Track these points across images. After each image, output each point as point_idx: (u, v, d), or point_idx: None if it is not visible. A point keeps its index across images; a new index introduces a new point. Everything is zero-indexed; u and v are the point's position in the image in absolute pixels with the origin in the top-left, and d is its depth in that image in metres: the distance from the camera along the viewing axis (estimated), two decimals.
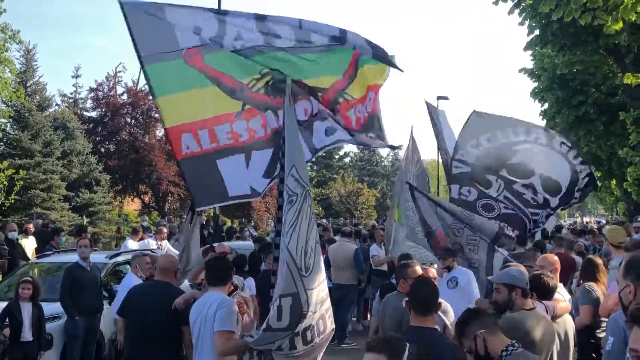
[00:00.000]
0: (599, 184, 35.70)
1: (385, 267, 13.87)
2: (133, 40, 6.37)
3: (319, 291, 5.72)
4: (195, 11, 6.63)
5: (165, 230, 16.90)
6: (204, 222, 27.48)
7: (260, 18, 6.57)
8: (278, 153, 6.62)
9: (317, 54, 6.72)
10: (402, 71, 7.01)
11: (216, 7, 16.02)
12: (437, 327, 5.74)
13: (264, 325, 5.62)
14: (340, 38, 6.64)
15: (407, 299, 5.81)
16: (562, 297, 7.08)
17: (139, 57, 6.41)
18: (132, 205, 41.37)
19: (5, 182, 24.48)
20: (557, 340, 6.29)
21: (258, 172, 7.09)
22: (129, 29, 6.35)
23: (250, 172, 7.04)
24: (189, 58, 6.54)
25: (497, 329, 4.51)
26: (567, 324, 6.40)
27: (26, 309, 9.58)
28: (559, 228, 21.83)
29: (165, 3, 6.53)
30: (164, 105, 6.71)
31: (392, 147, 8.05)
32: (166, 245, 16.37)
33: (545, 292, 6.42)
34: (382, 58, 6.82)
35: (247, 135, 6.96)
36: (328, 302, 5.92)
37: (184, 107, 6.75)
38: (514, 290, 5.59)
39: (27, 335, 9.53)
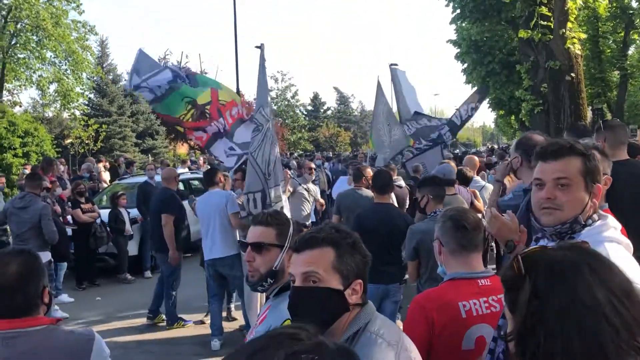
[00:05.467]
0: (502, 120, 35.92)
1: None
2: None
3: (277, 189, 5.90)
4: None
5: (201, 162, 18.46)
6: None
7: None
8: None
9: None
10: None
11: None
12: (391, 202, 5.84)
13: (246, 212, 5.83)
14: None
15: (371, 185, 5.87)
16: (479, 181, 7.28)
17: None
18: (181, 149, 41.08)
19: (93, 134, 24.49)
20: None
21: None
22: None
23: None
24: None
25: (439, 200, 4.54)
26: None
27: (124, 212, 9.68)
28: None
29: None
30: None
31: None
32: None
33: (464, 180, 6.57)
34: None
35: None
36: (284, 198, 6.12)
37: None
38: None
39: (129, 229, 9.68)
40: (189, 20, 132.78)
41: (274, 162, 5.88)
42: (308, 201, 7.99)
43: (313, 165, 9.02)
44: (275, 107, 43.10)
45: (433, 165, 8.26)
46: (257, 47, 6.65)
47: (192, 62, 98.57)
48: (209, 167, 17.58)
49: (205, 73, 46.37)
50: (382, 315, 1.84)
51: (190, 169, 17.19)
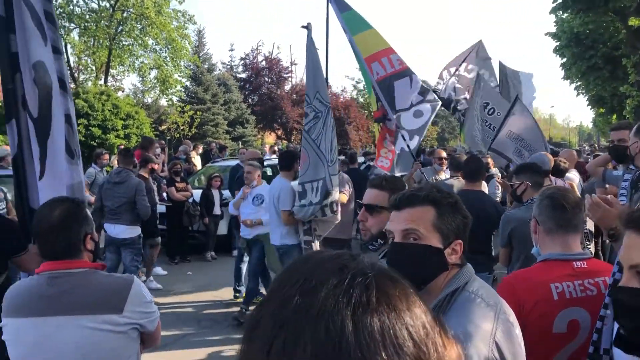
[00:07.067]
0: (601, 119, 33.73)
1: None
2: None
3: (336, 177, 5.77)
4: None
5: (276, 149, 18.55)
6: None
7: None
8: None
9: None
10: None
11: None
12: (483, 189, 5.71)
13: (305, 202, 5.66)
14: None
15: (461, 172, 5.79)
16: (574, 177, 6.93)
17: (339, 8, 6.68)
18: (269, 138, 42.04)
19: (188, 120, 25.59)
20: None
21: (414, 91, 6.97)
22: None
23: (412, 91, 6.94)
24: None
25: (537, 188, 4.40)
26: None
27: (215, 194, 10.10)
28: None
29: None
30: (358, 41, 6.63)
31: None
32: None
33: (559, 172, 6.33)
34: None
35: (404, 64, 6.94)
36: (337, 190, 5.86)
37: (369, 42, 6.75)
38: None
39: (217, 210, 10.10)
40: (281, 12, 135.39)
41: (336, 148, 5.73)
42: None
43: (444, 155, 8.26)
44: (362, 100, 43.03)
45: (527, 130, 7.55)
46: (303, 27, 6.50)
47: (283, 53, 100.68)
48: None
49: (295, 64, 47.35)
50: (480, 279, 1.81)
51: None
